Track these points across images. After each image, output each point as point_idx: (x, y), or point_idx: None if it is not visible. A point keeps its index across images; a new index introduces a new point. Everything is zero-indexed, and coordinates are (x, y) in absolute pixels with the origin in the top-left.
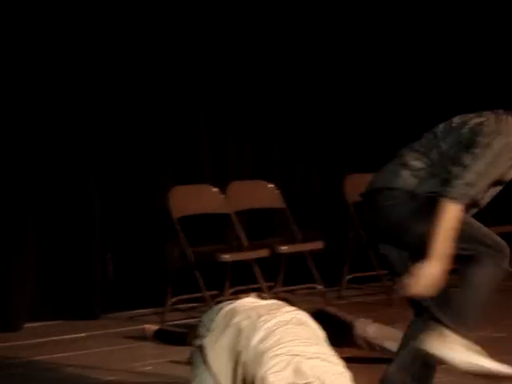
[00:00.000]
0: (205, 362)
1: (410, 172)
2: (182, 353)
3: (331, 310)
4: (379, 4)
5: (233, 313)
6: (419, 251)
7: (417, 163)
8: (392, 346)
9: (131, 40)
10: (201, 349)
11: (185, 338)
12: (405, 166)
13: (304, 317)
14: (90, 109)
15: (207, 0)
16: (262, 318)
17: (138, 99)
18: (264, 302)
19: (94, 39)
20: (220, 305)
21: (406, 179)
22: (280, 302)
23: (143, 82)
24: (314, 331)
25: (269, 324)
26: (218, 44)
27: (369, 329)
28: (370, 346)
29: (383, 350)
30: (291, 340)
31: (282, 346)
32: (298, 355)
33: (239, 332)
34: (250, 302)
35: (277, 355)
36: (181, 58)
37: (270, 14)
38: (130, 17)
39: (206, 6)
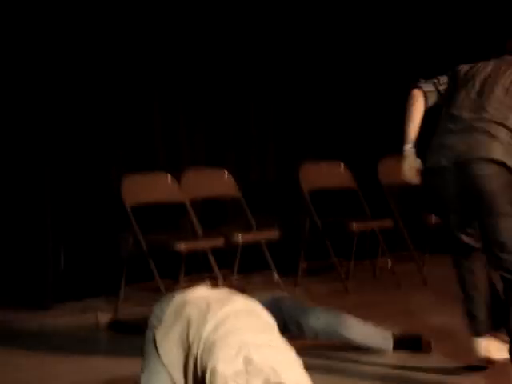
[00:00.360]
0: (157, 353)
1: (500, 144)
2: (137, 343)
3: (286, 298)
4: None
5: (183, 303)
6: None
7: (502, 135)
8: (348, 334)
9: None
10: (153, 340)
11: (138, 327)
12: (494, 137)
13: (254, 306)
14: (40, 98)
15: None
16: (213, 308)
17: (90, 86)
18: (215, 292)
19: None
20: (171, 295)
21: (499, 151)
22: (231, 292)
23: (95, 69)
24: (264, 320)
25: (219, 314)
26: (172, 29)
27: (322, 317)
28: (326, 333)
29: (339, 338)
30: (241, 329)
31: (232, 335)
32: (248, 344)
33: (189, 323)
34: (200, 292)
35: (227, 344)
36: (133, 44)
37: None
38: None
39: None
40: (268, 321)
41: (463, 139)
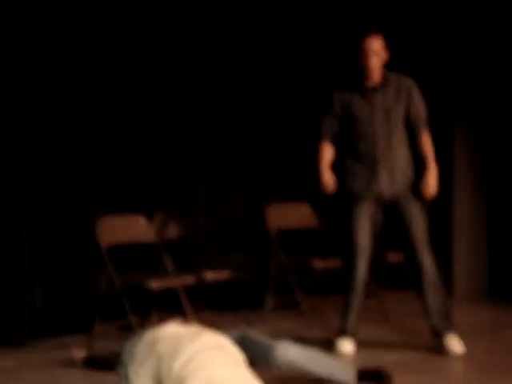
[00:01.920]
0: None
1: None
2: (111, 379)
3: (254, 334)
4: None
5: (154, 340)
6: None
7: None
8: (313, 368)
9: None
10: (125, 376)
11: (111, 364)
12: None
13: (224, 341)
14: (19, 135)
15: None
16: (183, 344)
17: (67, 127)
18: (185, 329)
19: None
20: (142, 332)
21: None
22: (200, 328)
23: (73, 112)
24: (233, 355)
25: (189, 349)
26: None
27: (290, 351)
28: (292, 368)
29: (304, 372)
30: (210, 364)
31: (201, 370)
32: (216, 378)
33: (160, 358)
34: (171, 329)
35: (196, 379)
36: (106, 90)
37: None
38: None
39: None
40: (236, 355)
41: None
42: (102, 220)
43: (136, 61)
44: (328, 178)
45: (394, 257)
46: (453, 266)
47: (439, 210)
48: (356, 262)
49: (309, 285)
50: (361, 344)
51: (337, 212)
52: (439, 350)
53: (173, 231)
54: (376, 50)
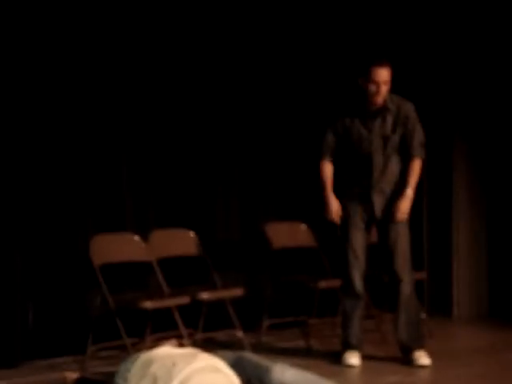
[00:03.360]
0: None
1: None
2: None
3: (249, 355)
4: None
5: (149, 362)
6: None
7: None
8: None
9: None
10: None
11: None
12: None
13: (219, 364)
14: (11, 152)
15: None
16: (178, 366)
17: (58, 145)
18: (180, 350)
19: None
20: (136, 354)
21: None
22: (195, 350)
23: (62, 130)
24: (229, 378)
25: (184, 371)
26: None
27: (286, 373)
28: None
29: None
30: None
31: None
32: None
33: (155, 381)
34: (165, 350)
35: None
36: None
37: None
38: None
39: None
40: (232, 379)
41: None
42: (94, 239)
43: (127, 78)
44: (335, 206)
45: None
46: (453, 288)
47: (440, 233)
48: (352, 275)
49: (307, 306)
50: (362, 366)
51: (333, 232)
52: (408, 363)
53: (167, 250)
54: (386, 81)
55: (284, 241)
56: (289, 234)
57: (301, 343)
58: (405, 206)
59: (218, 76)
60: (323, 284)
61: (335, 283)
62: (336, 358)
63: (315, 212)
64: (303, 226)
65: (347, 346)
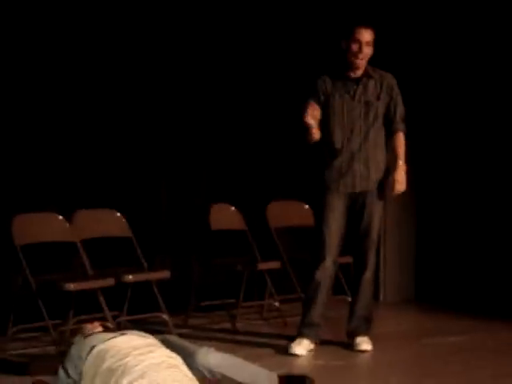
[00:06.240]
0: None
1: None
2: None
3: (174, 338)
4: None
5: (104, 354)
6: None
7: None
8: (235, 374)
9: None
10: None
11: (25, 368)
12: None
13: (175, 360)
14: None
15: None
16: (133, 361)
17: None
18: (135, 343)
19: None
20: (90, 340)
21: None
22: (152, 343)
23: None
24: (184, 373)
25: (139, 366)
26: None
27: (211, 357)
28: (212, 374)
29: (225, 378)
30: (161, 382)
31: None
32: None
33: (110, 375)
34: (121, 341)
35: None
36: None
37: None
38: None
39: None
40: (188, 375)
41: None
42: (16, 218)
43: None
44: (313, 110)
45: None
46: (379, 273)
47: None
48: (324, 255)
49: (233, 288)
50: (286, 350)
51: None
52: (350, 347)
53: (92, 230)
54: (368, 41)
55: (223, 223)
56: (225, 217)
57: (227, 326)
58: (401, 176)
59: (195, 54)
60: (249, 267)
61: (263, 266)
62: (261, 341)
63: (244, 194)
64: (231, 208)
65: (298, 332)
